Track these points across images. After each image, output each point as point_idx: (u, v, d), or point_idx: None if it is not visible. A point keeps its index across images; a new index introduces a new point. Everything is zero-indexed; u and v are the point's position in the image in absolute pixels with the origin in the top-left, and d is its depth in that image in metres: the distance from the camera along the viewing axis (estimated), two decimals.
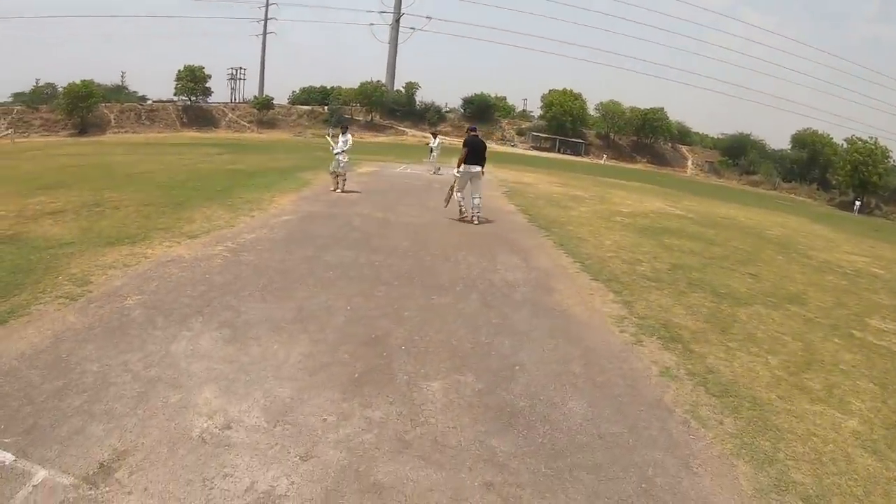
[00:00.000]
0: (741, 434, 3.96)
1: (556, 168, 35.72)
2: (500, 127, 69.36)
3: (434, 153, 22.40)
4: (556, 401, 4.11)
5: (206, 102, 66.05)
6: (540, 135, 66.90)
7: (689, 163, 69.98)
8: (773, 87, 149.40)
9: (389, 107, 65.72)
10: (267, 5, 79.99)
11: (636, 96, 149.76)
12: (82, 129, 53.08)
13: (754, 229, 16.86)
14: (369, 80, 65.72)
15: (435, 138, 23.25)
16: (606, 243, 10.28)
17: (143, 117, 59.60)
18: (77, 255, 6.81)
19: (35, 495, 2.75)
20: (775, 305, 7.50)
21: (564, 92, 66.66)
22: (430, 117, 63.57)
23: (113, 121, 56.88)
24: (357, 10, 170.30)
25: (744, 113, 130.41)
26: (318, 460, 3.18)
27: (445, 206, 11.82)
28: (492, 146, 53.98)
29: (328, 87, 74.94)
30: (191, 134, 55.75)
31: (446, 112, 69.10)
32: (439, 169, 21.56)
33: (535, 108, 74.38)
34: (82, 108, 53.50)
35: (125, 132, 54.74)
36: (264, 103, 65.01)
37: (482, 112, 67.78)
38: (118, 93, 65.79)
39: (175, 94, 64.95)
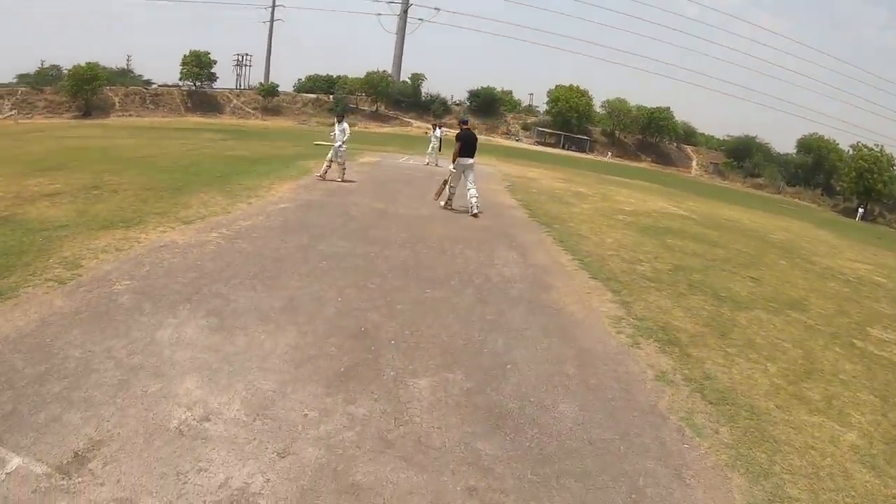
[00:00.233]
0: (737, 445, 3.87)
1: (560, 164, 35.50)
2: (506, 121, 69.02)
3: (434, 144, 22.01)
4: (546, 403, 4.01)
5: (211, 88, 65.71)
6: (545, 130, 66.58)
7: (694, 163, 69.60)
8: (780, 91, 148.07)
9: (395, 97, 65.39)
10: None
11: (643, 95, 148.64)
12: (86, 112, 52.88)
13: (757, 232, 16.74)
14: (376, 69, 65.35)
15: (436, 129, 22.78)
16: (607, 241, 10.16)
17: (148, 101, 59.38)
18: (70, 237, 6.73)
19: (8, 483, 2.67)
20: (776, 311, 7.39)
21: (571, 88, 66.20)
22: (435, 109, 63.19)
23: (117, 104, 56.70)
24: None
25: (750, 115, 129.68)
26: (295, 458, 3.08)
27: (436, 200, 11.89)
28: (496, 140, 53.68)
29: (334, 76, 74.67)
30: (195, 119, 55.59)
31: (452, 104, 68.73)
32: (438, 162, 21.31)
33: (541, 104, 74.09)
34: (87, 90, 53.26)
35: (129, 116, 54.52)
36: (269, 90, 64.73)
37: (488, 106, 67.50)
38: (123, 76, 65.57)
39: (180, 79, 64.71)
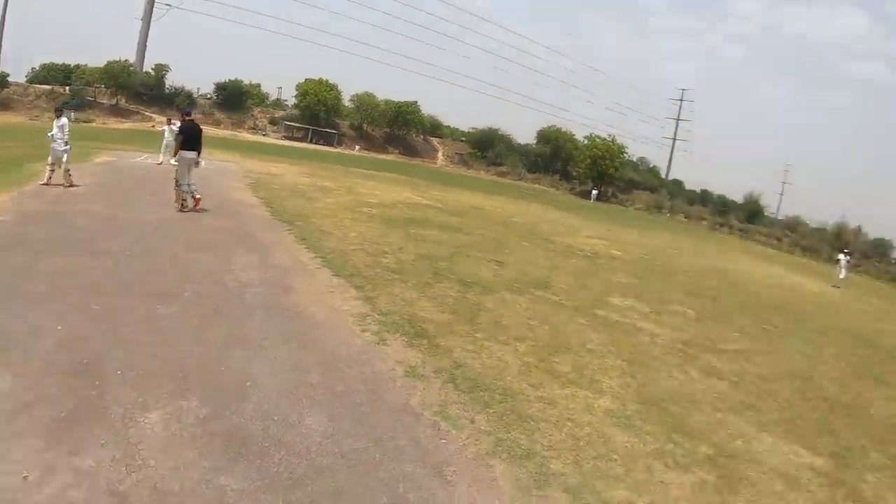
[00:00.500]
0: (495, 430, 3.93)
1: (307, 158, 35.07)
2: (253, 115, 66.28)
3: (169, 140, 19.98)
4: (292, 419, 3.69)
5: None
6: (293, 124, 65.43)
7: (440, 154, 74.27)
8: (523, 87, 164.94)
9: (137, 90, 58.58)
10: None
11: (392, 89, 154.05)
12: None
13: (501, 217, 18.19)
14: (118, 59, 57.61)
15: (170, 124, 20.81)
16: (351, 236, 10.10)
17: None
18: None
19: None
20: (521, 291, 7.90)
21: (320, 82, 66.00)
22: (179, 102, 57.90)
23: None
24: None
25: (494, 109, 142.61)
26: None
27: (175, 203, 10.78)
28: (242, 136, 51.09)
29: (71, 65, 64.17)
30: None
31: (199, 97, 63.82)
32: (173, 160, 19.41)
33: (290, 97, 72.57)
34: None
35: None
36: None
37: (235, 99, 64.42)
38: None
39: None
